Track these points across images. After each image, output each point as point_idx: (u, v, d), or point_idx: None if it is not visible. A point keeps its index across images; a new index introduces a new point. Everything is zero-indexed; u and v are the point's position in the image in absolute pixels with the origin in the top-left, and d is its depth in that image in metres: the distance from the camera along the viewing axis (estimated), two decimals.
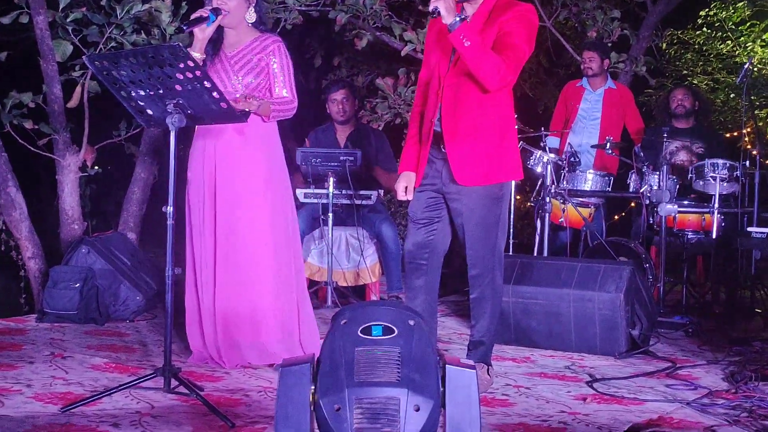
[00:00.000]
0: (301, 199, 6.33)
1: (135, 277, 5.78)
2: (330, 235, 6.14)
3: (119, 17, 6.11)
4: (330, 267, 6.17)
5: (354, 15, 7.62)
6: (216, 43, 4.52)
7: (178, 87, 3.81)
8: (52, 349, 4.68)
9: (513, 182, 4.23)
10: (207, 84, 3.81)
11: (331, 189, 6.11)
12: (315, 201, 6.29)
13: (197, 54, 4.36)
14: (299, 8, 7.37)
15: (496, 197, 4.10)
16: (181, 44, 3.77)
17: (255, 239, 4.50)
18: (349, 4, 7.52)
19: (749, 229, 5.24)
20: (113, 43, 6.20)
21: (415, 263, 4.27)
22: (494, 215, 4.11)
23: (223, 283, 4.47)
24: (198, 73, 3.77)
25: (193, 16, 4.33)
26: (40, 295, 5.94)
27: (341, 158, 6.03)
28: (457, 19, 3.76)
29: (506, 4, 4.03)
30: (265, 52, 4.55)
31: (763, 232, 4.94)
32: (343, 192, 6.21)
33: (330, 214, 6.13)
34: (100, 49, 6.14)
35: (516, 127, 6.44)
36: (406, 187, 4.29)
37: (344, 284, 6.38)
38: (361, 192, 6.30)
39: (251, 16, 4.58)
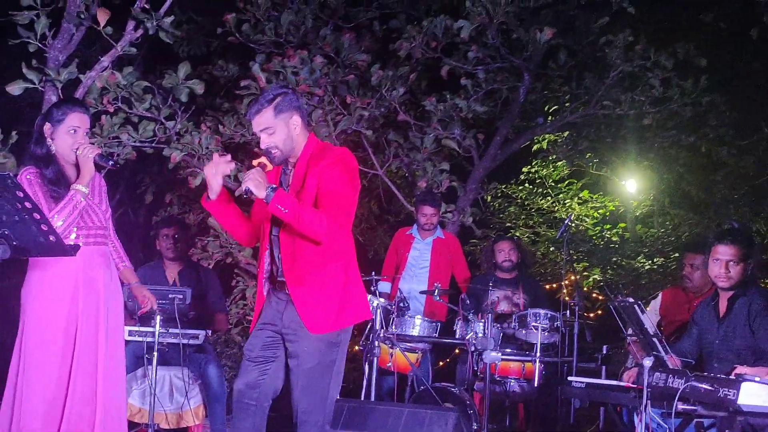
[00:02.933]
0: (126, 337, 6.10)
1: None
2: (153, 375, 5.92)
3: None
4: (152, 408, 5.92)
5: (189, 153, 7.63)
6: (65, 178, 4.49)
7: (3, 217, 3.70)
8: None
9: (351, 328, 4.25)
10: (36, 216, 3.71)
11: (157, 327, 5.92)
12: (140, 339, 6.09)
13: (85, 188, 4.38)
14: (133, 144, 7.31)
15: (333, 343, 4.10)
16: (10, 174, 3.68)
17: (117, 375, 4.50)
18: (184, 143, 7.53)
19: (570, 378, 5.41)
20: None
21: (243, 403, 4.20)
22: (330, 361, 4.10)
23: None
24: (27, 204, 3.67)
25: (102, 154, 4.48)
26: None
27: (170, 296, 5.88)
28: (270, 190, 3.87)
29: (321, 149, 4.16)
30: (101, 183, 4.67)
31: (583, 382, 5.11)
32: (170, 330, 6.04)
33: (155, 353, 5.91)
34: None
35: None
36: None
37: (166, 426, 6.14)
38: (189, 331, 6.16)
39: None
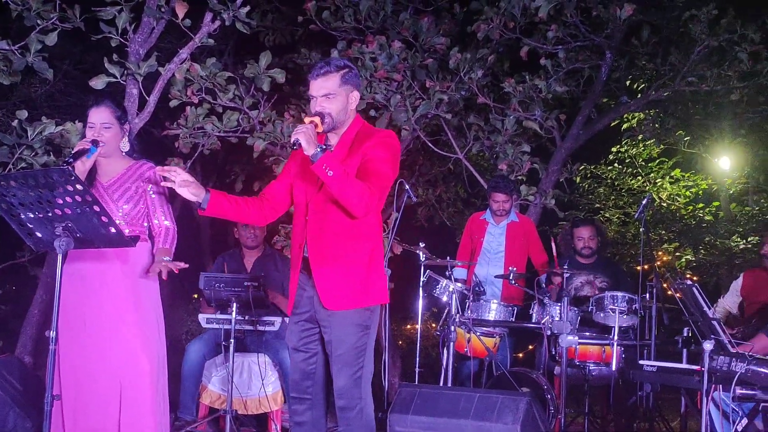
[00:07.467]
0: (204, 325, 6.26)
1: (26, 404, 5.57)
2: (231, 362, 5.98)
3: (30, 138, 6.13)
4: (230, 394, 5.98)
5: (272, 142, 7.72)
6: (90, 173, 4.58)
7: (67, 210, 3.83)
8: None
9: (380, 309, 4.27)
10: (96, 208, 3.83)
11: (233, 314, 5.99)
12: (217, 326, 6.22)
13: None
14: (218, 134, 7.44)
15: (364, 325, 4.12)
16: (70, 168, 3.80)
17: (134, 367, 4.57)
18: (267, 132, 7.62)
19: (641, 362, 5.30)
20: (23, 164, 6.19)
21: (299, 396, 4.27)
22: (362, 343, 4.12)
23: None
24: (88, 197, 3.79)
25: (75, 149, 4.45)
26: None
27: (245, 283, 5.92)
28: (319, 149, 3.82)
29: (369, 131, 4.18)
30: (141, 179, 4.70)
31: (654, 366, 5.00)
32: (246, 318, 6.14)
33: (232, 340, 5.97)
34: (10, 169, 6.12)
35: (424, 256, 6.55)
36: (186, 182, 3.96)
37: (245, 413, 6.27)
38: (265, 318, 6.26)
39: (125, 146, 4.73)
